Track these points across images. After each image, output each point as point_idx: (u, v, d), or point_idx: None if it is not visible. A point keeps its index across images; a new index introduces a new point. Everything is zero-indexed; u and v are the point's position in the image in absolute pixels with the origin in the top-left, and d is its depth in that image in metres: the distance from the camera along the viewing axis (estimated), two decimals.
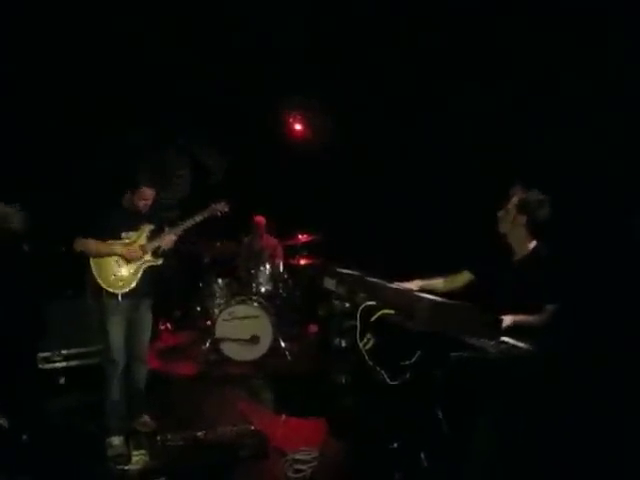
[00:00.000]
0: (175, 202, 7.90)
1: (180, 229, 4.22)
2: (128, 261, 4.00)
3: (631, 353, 3.23)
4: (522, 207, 3.11)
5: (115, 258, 3.97)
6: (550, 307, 2.94)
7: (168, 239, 4.15)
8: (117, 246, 3.98)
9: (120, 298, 3.93)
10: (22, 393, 4.46)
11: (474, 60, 5.00)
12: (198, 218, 4.30)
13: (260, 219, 7.11)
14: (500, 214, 3.21)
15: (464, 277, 3.44)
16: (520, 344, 2.68)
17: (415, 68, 5.66)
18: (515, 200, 3.14)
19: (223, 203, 4.45)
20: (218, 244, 7.06)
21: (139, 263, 4.06)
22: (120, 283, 3.95)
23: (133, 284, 4.01)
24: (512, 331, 2.76)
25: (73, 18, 5.51)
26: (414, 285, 3.31)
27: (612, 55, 3.78)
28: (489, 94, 4.85)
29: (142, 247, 4.07)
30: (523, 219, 3.10)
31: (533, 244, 3.14)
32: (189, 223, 4.25)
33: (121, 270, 3.98)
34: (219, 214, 4.45)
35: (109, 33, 5.86)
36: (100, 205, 4.12)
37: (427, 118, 5.73)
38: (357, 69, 6.25)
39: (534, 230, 3.12)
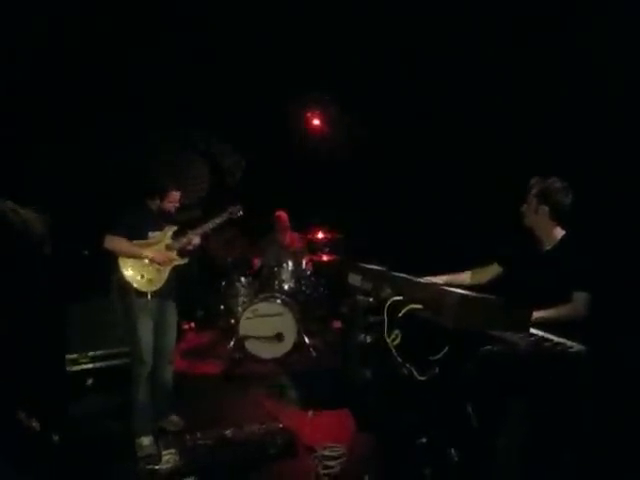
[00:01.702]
0: (195, 201, 7.94)
1: (201, 231, 4.31)
2: (157, 262, 4.03)
3: None
4: (543, 196, 3.06)
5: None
6: (579, 295, 2.88)
7: (193, 239, 4.23)
8: (146, 249, 4.03)
9: (149, 297, 3.96)
10: (50, 395, 4.50)
11: (487, 53, 4.96)
12: (217, 221, 4.42)
13: (282, 214, 7.09)
14: (523, 208, 3.17)
15: (491, 270, 3.40)
16: (550, 337, 2.65)
17: (434, 63, 5.63)
18: (535, 191, 3.10)
19: (238, 207, 4.59)
20: (240, 243, 7.06)
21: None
22: (149, 282, 4.00)
23: (161, 283, 4.05)
24: (544, 324, 2.72)
25: (93, 13, 5.55)
26: (440, 280, 3.29)
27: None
28: (507, 89, 4.82)
29: (168, 247, 4.14)
30: (545, 209, 3.05)
31: (560, 233, 3.09)
32: (209, 226, 4.36)
33: (149, 269, 4.03)
34: (235, 216, 4.58)
35: (121, 33, 5.89)
36: (126, 206, 4.14)
37: (447, 109, 5.68)
38: (374, 65, 6.22)
39: (558, 218, 3.07)
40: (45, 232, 4.95)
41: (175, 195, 4.17)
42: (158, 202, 4.13)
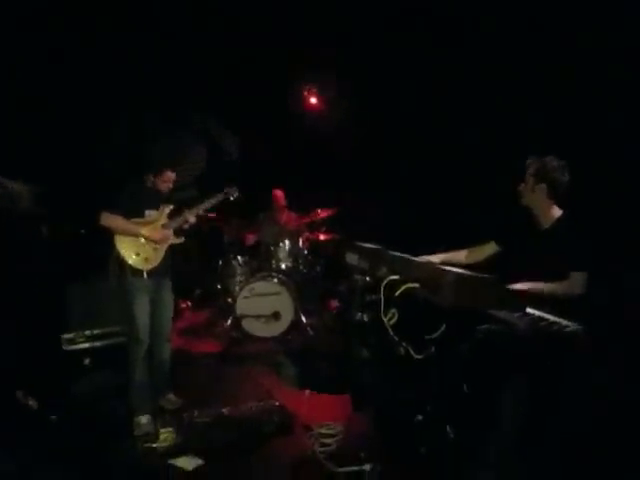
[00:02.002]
0: (192, 180, 7.91)
1: (196, 211, 4.31)
2: (154, 241, 4.03)
3: None
4: (540, 175, 3.03)
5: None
6: (576, 274, 2.88)
7: (189, 218, 4.22)
8: (143, 227, 4.02)
9: (145, 275, 3.95)
10: (48, 375, 4.51)
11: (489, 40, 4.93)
12: (213, 201, 4.44)
13: (279, 193, 7.05)
14: (520, 187, 3.15)
15: (489, 249, 3.39)
16: (547, 316, 2.65)
17: (433, 46, 5.58)
18: (532, 170, 3.07)
19: (234, 188, 4.59)
20: (237, 221, 7.02)
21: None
22: (146, 261, 4.00)
23: (157, 262, 4.05)
24: (542, 303, 2.72)
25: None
26: (437, 258, 3.28)
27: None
28: (506, 74, 4.79)
29: (165, 226, 4.13)
30: (543, 187, 3.03)
31: (558, 213, 3.07)
32: (205, 205, 4.38)
33: (146, 248, 4.02)
34: (231, 198, 4.60)
35: (120, 13, 5.83)
36: (122, 184, 4.12)
37: (446, 91, 5.64)
38: (373, 42, 6.16)
39: (556, 197, 3.05)
40: (33, 208, 4.95)
41: (169, 175, 4.15)
42: (152, 180, 4.13)
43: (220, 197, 4.50)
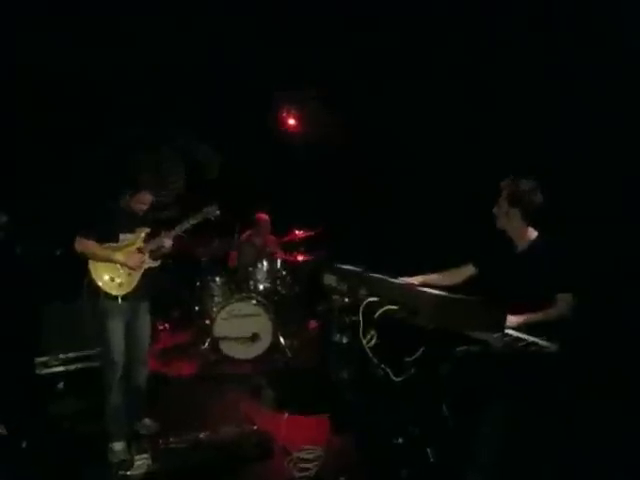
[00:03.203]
0: (170, 200, 7.83)
1: (175, 233, 4.18)
2: (128, 266, 3.95)
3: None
4: (513, 199, 3.06)
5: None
6: (562, 297, 2.89)
7: (165, 242, 4.10)
8: (117, 252, 3.92)
9: (120, 300, 3.88)
10: (20, 399, 4.41)
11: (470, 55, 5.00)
12: (192, 222, 4.27)
13: (264, 216, 7.03)
14: (494, 210, 3.17)
15: (466, 271, 3.40)
16: (525, 336, 2.65)
17: (412, 62, 5.64)
18: (505, 194, 3.10)
19: (214, 207, 4.42)
20: (215, 243, 6.97)
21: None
22: (120, 286, 3.91)
23: (132, 286, 3.96)
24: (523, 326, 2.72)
25: (73, 15, 5.46)
26: (415, 280, 3.28)
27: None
28: (489, 90, 4.85)
29: (140, 250, 4.03)
30: (516, 211, 3.06)
31: (534, 234, 3.10)
32: (183, 227, 4.22)
33: (120, 273, 3.93)
34: (212, 218, 4.42)
35: (104, 31, 5.81)
36: (98, 206, 4.05)
37: (425, 112, 5.69)
38: (354, 62, 6.20)
39: (530, 219, 3.08)
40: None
41: (146, 197, 4.03)
42: (127, 199, 4.00)
43: (199, 217, 4.33)
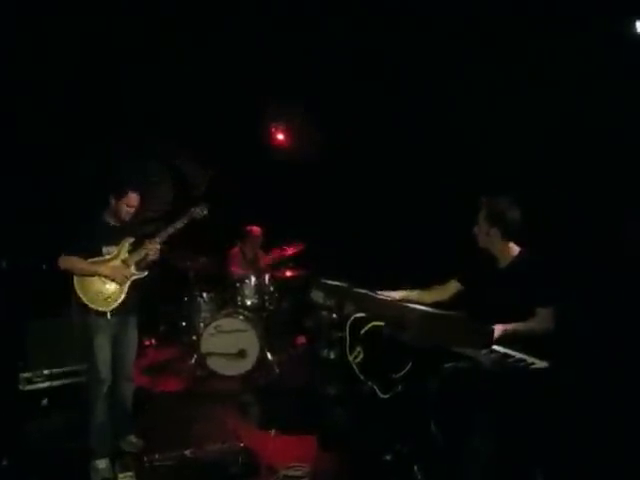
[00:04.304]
0: (157, 215, 7.79)
1: (163, 237, 4.10)
2: (114, 280, 3.91)
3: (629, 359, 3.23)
4: (492, 219, 3.07)
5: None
6: (543, 311, 2.89)
7: (152, 248, 4.01)
8: (102, 266, 3.88)
9: (109, 315, 3.84)
10: (3, 416, 4.34)
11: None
12: (179, 224, 4.17)
13: (256, 229, 6.95)
14: (475, 230, 3.18)
15: (451, 288, 3.40)
16: (513, 353, 2.65)
17: (397, 77, 5.69)
18: (484, 214, 3.12)
19: (202, 206, 4.32)
20: (203, 258, 6.92)
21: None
22: (107, 300, 3.86)
23: (120, 300, 3.91)
24: (508, 341, 2.72)
25: (66, 26, 5.48)
26: (398, 295, 3.26)
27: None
28: (469, 102, 4.90)
29: (125, 261, 3.98)
30: (496, 230, 3.07)
31: (516, 250, 3.11)
32: (171, 230, 4.13)
33: (107, 287, 3.89)
34: (199, 217, 4.30)
35: (94, 44, 5.82)
36: (81, 220, 4.01)
37: (411, 128, 5.74)
38: (340, 78, 6.25)
39: (510, 236, 3.09)
40: None
41: (133, 197, 3.92)
42: (114, 203, 3.91)
43: (186, 219, 4.21)
